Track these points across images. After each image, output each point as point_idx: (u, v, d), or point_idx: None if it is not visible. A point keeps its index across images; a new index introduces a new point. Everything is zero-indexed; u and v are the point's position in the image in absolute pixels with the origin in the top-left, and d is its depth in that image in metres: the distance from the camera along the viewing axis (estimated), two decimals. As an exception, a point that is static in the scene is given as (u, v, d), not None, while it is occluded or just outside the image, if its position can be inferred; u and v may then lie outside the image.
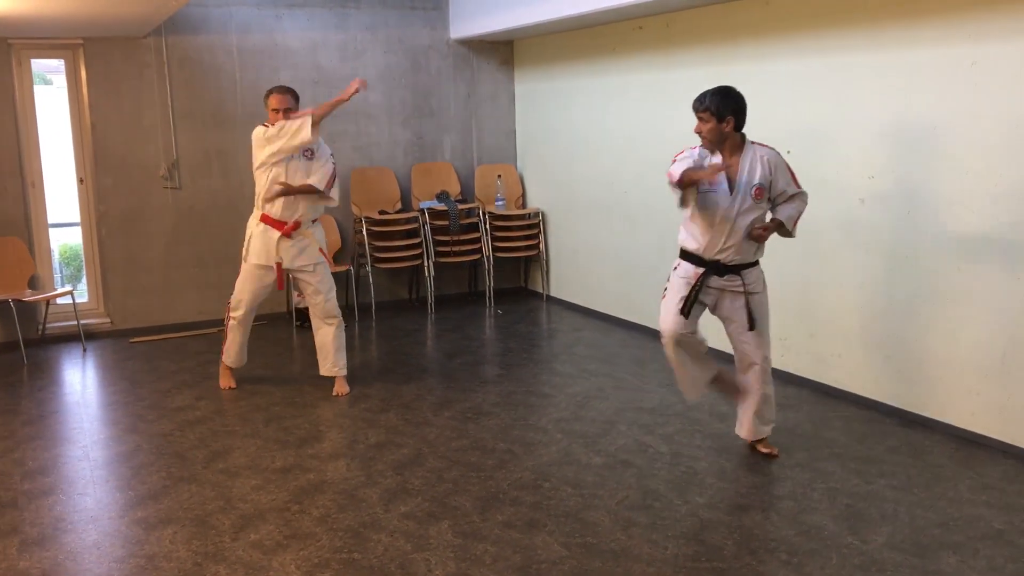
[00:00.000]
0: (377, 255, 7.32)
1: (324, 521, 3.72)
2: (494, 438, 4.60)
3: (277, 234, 5.12)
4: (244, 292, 5.28)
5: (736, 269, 4.03)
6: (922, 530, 3.52)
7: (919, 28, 4.42)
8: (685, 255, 4.12)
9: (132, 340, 6.76)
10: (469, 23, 7.39)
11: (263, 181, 5.08)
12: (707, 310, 4.18)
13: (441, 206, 7.48)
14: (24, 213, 6.69)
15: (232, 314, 5.35)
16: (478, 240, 7.61)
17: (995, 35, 4.09)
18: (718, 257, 4.01)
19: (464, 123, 7.92)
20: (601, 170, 6.91)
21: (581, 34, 6.95)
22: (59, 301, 6.76)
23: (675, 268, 4.17)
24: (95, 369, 6.20)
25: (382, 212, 7.41)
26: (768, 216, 4.11)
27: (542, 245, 7.77)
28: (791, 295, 5.31)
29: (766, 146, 4.03)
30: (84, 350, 6.57)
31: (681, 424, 4.70)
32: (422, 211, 7.44)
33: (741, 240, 3.98)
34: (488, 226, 7.61)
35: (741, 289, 4.05)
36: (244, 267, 5.27)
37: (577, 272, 7.45)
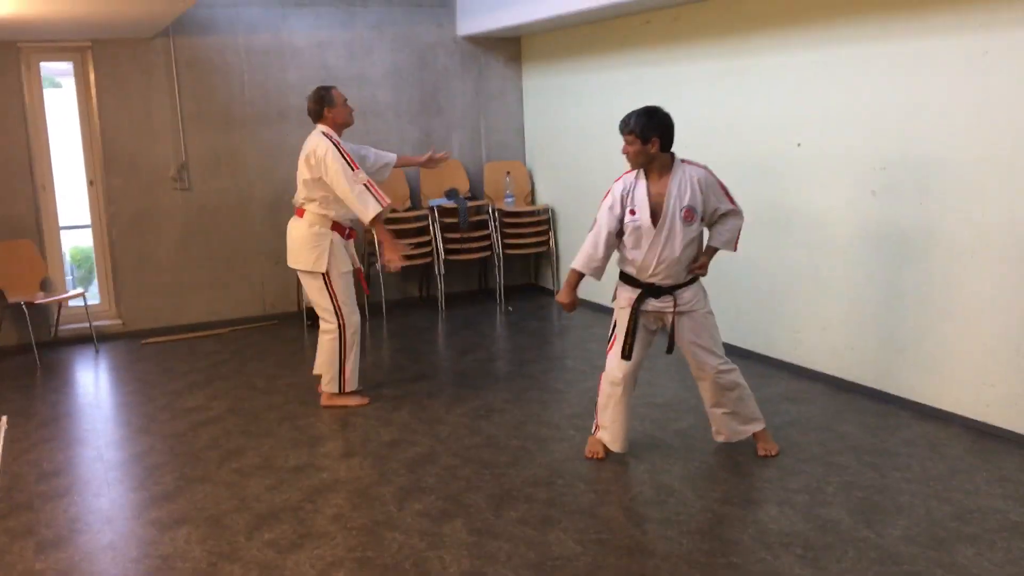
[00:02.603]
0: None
1: (338, 520, 3.72)
2: (507, 435, 4.60)
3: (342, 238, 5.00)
4: (352, 300, 5.02)
5: (671, 290, 4.01)
6: (938, 523, 3.50)
7: (930, 18, 4.39)
8: (623, 276, 4.11)
9: (144, 341, 6.78)
10: (476, 20, 7.38)
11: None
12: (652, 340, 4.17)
13: (450, 204, 7.47)
14: (35, 216, 6.71)
15: (351, 331, 5.01)
16: (488, 237, 7.61)
17: (1007, 24, 4.06)
18: (651, 280, 4.00)
19: (472, 120, 7.91)
20: (610, 166, 6.86)
21: (589, 29, 6.93)
22: (71, 303, 6.79)
23: (614, 299, 4.15)
24: (108, 370, 6.22)
25: (391, 210, 7.40)
26: (705, 235, 4.10)
27: (552, 242, 7.75)
28: (803, 288, 5.29)
29: (697, 165, 3.99)
30: (97, 351, 6.59)
31: (694, 419, 4.69)
32: (431, 209, 7.43)
33: (674, 264, 3.95)
34: (498, 223, 7.61)
35: (672, 310, 4.01)
36: (335, 275, 4.93)
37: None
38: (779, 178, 5.34)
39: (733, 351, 5.43)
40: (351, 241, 5.09)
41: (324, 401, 5.10)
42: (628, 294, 4.06)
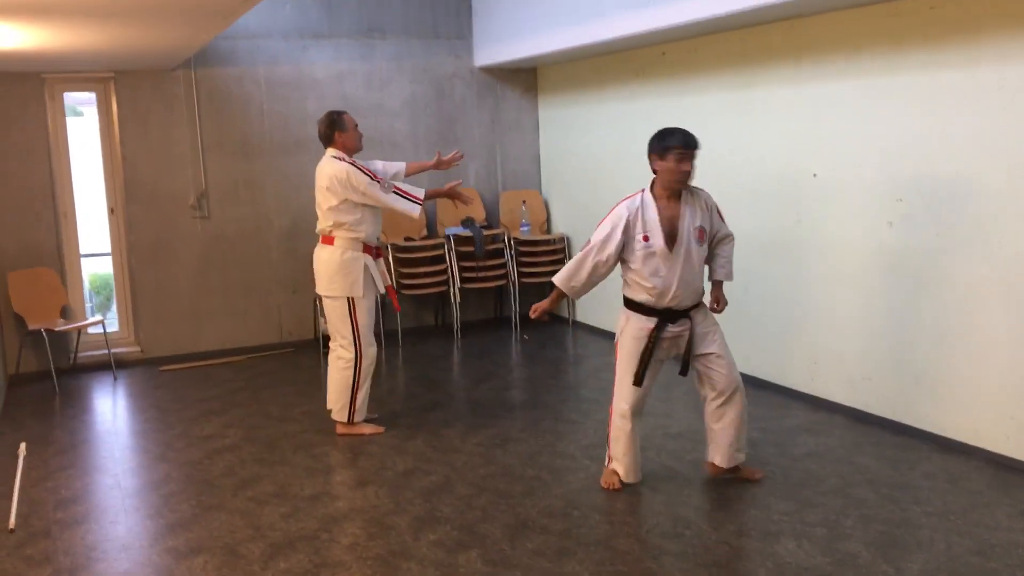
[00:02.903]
0: (403, 281, 7.35)
1: (353, 549, 3.71)
2: (522, 465, 4.59)
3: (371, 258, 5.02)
4: (371, 330, 5.04)
5: (687, 312, 4.01)
6: (959, 558, 3.46)
7: (946, 50, 4.40)
8: (634, 306, 4.06)
9: (162, 368, 6.82)
10: (493, 51, 7.45)
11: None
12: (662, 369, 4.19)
13: (466, 232, 7.51)
14: (56, 244, 6.79)
15: (367, 362, 5.01)
16: (504, 265, 7.63)
17: (1022, 55, 4.07)
18: (670, 305, 3.97)
19: (489, 149, 7.96)
20: (625, 194, 6.90)
21: (605, 60, 6.98)
22: (90, 330, 6.84)
23: (621, 329, 4.10)
24: (126, 397, 6.25)
25: (407, 239, 7.44)
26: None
27: (567, 270, 7.76)
28: (820, 318, 5.27)
29: (699, 188, 4.05)
30: (115, 378, 6.63)
31: (710, 450, 4.66)
32: (448, 237, 7.47)
33: (691, 285, 3.95)
34: (513, 251, 7.63)
35: (688, 331, 4.01)
36: (362, 303, 4.95)
37: (603, 297, 7.40)
38: (795, 208, 5.34)
39: (749, 381, 5.40)
40: (380, 260, 5.12)
41: (339, 430, 5.10)
42: (644, 324, 4.03)
